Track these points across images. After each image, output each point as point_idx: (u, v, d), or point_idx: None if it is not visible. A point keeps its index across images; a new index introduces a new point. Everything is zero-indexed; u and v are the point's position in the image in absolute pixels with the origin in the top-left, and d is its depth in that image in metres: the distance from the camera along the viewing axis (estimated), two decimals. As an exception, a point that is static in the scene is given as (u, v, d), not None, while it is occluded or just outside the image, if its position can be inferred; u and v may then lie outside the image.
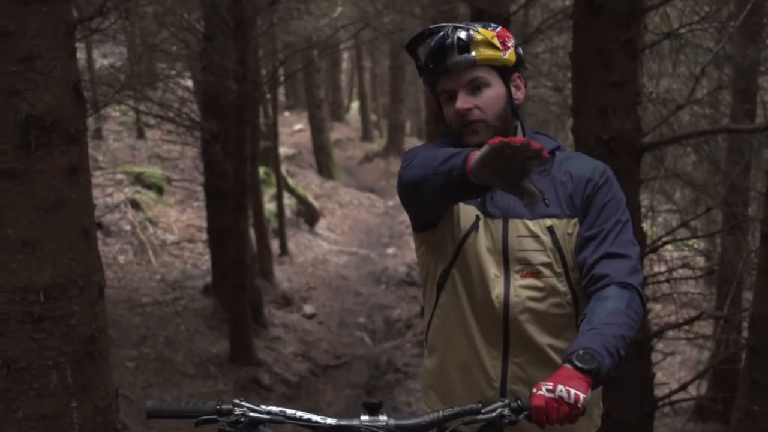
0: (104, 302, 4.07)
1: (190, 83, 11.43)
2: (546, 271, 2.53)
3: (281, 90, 26.68)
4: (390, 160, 25.35)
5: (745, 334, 6.54)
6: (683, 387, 7.15)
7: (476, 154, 2.13)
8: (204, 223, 12.19)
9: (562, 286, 2.55)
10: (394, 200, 19.05)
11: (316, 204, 18.28)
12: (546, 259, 2.53)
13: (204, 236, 12.46)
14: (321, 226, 18.08)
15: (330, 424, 2.24)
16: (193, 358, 9.56)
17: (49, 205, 3.74)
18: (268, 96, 13.93)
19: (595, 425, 2.70)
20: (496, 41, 2.50)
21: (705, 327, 10.37)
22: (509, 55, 2.53)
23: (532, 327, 2.55)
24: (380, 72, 32.83)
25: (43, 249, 3.75)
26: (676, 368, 11.46)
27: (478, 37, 2.48)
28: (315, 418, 2.25)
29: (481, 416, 2.18)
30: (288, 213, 16.15)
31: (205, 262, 12.25)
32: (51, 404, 3.86)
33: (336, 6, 14.88)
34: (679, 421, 9.32)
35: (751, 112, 8.50)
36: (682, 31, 6.56)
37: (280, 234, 15.19)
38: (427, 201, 2.50)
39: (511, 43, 2.55)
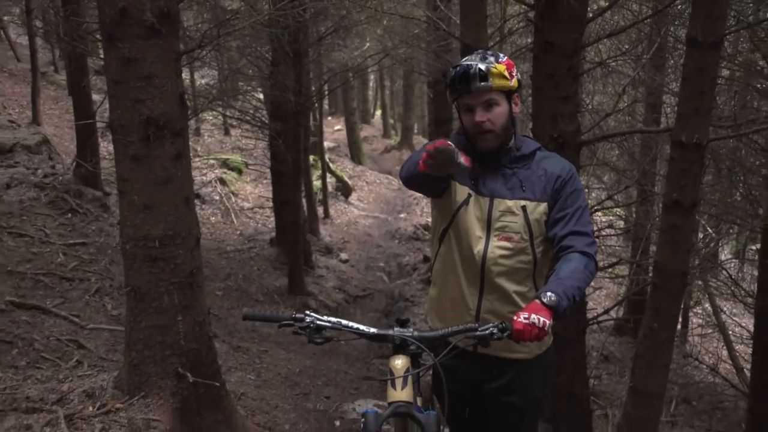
0: (200, 249, 4.12)
1: (261, 96, 11.40)
2: (516, 237, 2.54)
3: (325, 101, 26.57)
4: (403, 151, 25.29)
5: (650, 274, 6.53)
6: (606, 311, 7.17)
7: (422, 161, 2.27)
8: (270, 195, 12.21)
9: (527, 250, 2.55)
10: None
11: (349, 182, 18.27)
12: (518, 229, 2.54)
13: (270, 204, 12.50)
14: (353, 197, 18.06)
15: (372, 332, 2.27)
16: (263, 289, 9.62)
17: (162, 180, 3.78)
18: (316, 105, 13.87)
19: (545, 345, 2.75)
20: (506, 73, 2.49)
21: (623, 270, 10.35)
22: (514, 82, 2.52)
23: (500, 276, 2.56)
24: (396, 89, 32.62)
25: (158, 210, 3.80)
26: (602, 298, 11.47)
27: (494, 70, 2.46)
28: (362, 327, 2.27)
29: (477, 333, 2.20)
30: (330, 188, 16.14)
31: (271, 222, 12.29)
32: (164, 318, 3.93)
33: (365, 42, 14.72)
34: (603, 335, 9.34)
35: (657, 119, 8.47)
36: (610, 61, 6.52)
37: (324, 203, 15.20)
38: (418, 187, 2.63)
39: (515, 72, 2.54)
